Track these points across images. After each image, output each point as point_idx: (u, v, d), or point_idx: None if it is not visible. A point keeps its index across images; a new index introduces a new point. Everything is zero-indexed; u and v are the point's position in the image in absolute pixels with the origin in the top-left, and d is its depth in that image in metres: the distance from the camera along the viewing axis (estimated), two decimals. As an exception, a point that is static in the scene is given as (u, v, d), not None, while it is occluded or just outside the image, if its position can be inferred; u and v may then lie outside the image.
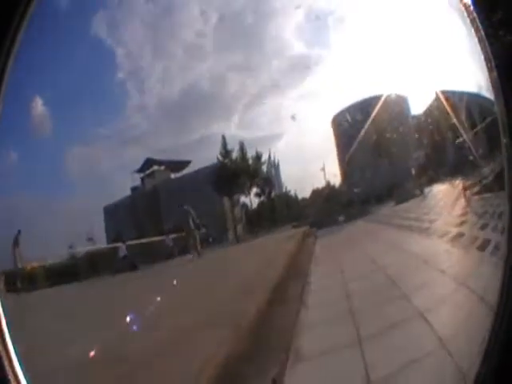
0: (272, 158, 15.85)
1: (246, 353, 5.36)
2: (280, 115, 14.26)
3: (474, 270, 6.04)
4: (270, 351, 5.50)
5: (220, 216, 15.94)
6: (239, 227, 16.30)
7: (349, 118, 13.05)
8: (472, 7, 2.28)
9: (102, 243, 14.60)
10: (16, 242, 12.52)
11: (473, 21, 2.28)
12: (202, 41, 14.39)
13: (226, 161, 15.26)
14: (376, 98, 11.39)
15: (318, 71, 13.67)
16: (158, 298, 8.32)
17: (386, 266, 8.18)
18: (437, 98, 8.90)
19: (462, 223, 8.19)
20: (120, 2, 13.09)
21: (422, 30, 8.59)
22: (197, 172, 15.84)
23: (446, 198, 10.80)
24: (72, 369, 5.76)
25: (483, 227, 6.76)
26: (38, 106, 11.69)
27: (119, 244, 14.27)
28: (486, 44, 2.23)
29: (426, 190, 12.80)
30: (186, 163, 16.27)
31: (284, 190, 16.24)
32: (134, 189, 16.64)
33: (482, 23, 2.25)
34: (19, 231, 12.29)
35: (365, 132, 11.68)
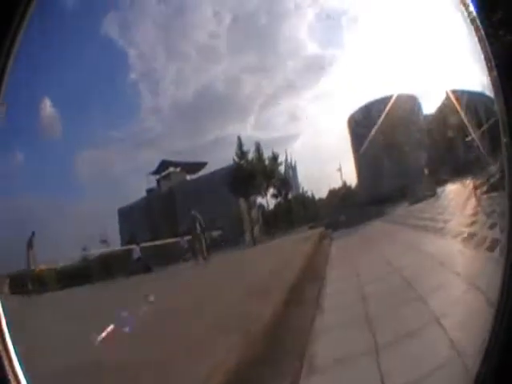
0: (289, 159, 15.77)
1: (259, 359, 5.19)
2: (295, 116, 14.19)
3: (483, 271, 5.83)
4: (284, 358, 5.32)
5: (236, 218, 15.81)
6: (256, 229, 16.13)
7: (363, 117, 12.88)
8: (472, 7, 2.25)
9: (116, 245, 14.53)
10: (30, 244, 12.46)
11: (473, 21, 2.26)
12: (215, 42, 14.33)
13: (242, 162, 15.15)
14: (389, 98, 11.26)
15: (332, 71, 13.65)
16: (169, 301, 8.22)
17: (402, 267, 8.00)
18: (447, 98, 8.81)
19: (473, 223, 8.04)
20: (132, 2, 13.06)
21: (427, 29, 8.57)
22: (213, 173, 15.78)
23: (458, 198, 10.64)
24: (79, 371, 5.59)
25: (492, 227, 6.64)
26: (52, 108, 11.68)
27: (133, 246, 14.16)
28: (486, 43, 2.21)
29: (439, 189, 12.64)
30: (201, 165, 16.21)
31: (301, 190, 16.14)
32: (149, 191, 16.61)
33: (481, 23, 2.23)
34: (33, 233, 12.24)
35: (377, 132, 11.55)
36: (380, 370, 4.48)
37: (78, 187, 12.82)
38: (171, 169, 16.93)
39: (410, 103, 12.67)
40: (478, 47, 2.27)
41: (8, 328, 2.63)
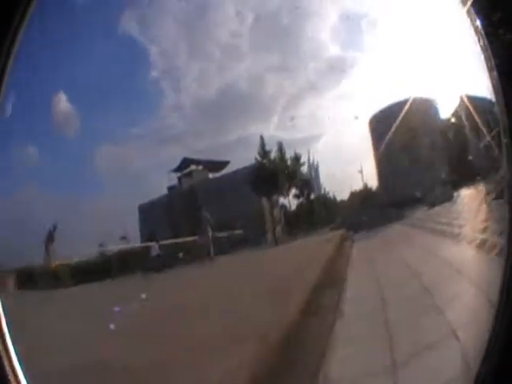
0: (311, 160, 15.64)
1: (272, 371, 4.92)
2: (318, 117, 14.09)
3: (492, 278, 5.59)
4: (297, 372, 5.06)
5: (258, 217, 15.66)
6: (278, 229, 16.00)
7: (383, 119, 12.72)
8: (472, 7, 2.26)
9: (135, 242, 14.49)
10: (50, 238, 12.42)
11: (473, 21, 2.27)
12: (237, 41, 14.24)
13: (265, 161, 15.04)
14: (408, 101, 11.13)
15: (354, 73, 13.55)
16: (183, 301, 8.11)
17: (421, 273, 7.86)
18: (461, 102, 8.67)
19: (485, 229, 7.85)
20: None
21: (429, 30, 8.58)
22: (235, 172, 15.68)
23: (472, 203, 10.46)
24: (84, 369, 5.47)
25: (502, 233, 6.38)
26: (74, 105, 11.69)
27: (152, 243, 14.07)
28: (486, 43, 2.21)
29: (455, 194, 12.49)
30: (224, 163, 16.14)
31: (322, 191, 16.00)
32: (170, 188, 16.55)
33: (482, 23, 2.24)
34: (55, 226, 12.21)
35: (395, 134, 11.42)
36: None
37: (99, 183, 12.81)
38: (193, 167, 16.89)
39: (427, 106, 12.53)
40: (478, 47, 2.28)
41: (8, 328, 2.63)
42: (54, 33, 9.50)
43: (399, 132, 11.44)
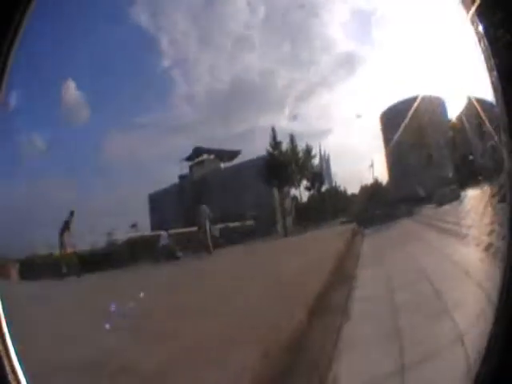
0: (322, 153, 15.58)
1: (274, 377, 4.84)
2: (329, 111, 14.09)
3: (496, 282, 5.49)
4: (304, 375, 4.99)
5: (269, 208, 15.62)
6: (288, 220, 15.96)
7: (393, 116, 12.65)
8: (472, 7, 2.20)
9: (145, 230, 14.51)
10: (67, 226, 12.43)
11: (473, 20, 2.22)
12: (249, 33, 14.18)
13: (276, 152, 14.94)
14: (418, 98, 11.07)
15: (365, 69, 13.50)
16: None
17: (430, 273, 7.72)
18: (469, 101, 8.61)
19: (491, 232, 7.73)
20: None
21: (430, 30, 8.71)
22: (247, 163, 15.60)
23: (478, 204, 10.35)
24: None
25: (504, 238, 6.27)
26: (85, 94, 11.68)
27: (161, 232, 14.05)
28: (486, 43, 2.17)
29: (462, 193, 12.42)
30: (235, 153, 16.11)
31: (334, 185, 15.94)
32: (182, 177, 16.52)
33: (482, 23, 2.19)
34: (72, 213, 12.20)
35: (404, 131, 11.37)
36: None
37: (110, 172, 12.79)
38: (205, 156, 16.85)
39: (435, 105, 12.42)
40: (478, 47, 2.24)
41: (8, 328, 2.59)
42: (64, 21, 9.48)
43: (408, 130, 11.42)
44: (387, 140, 13.56)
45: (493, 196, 8.34)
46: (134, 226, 14.19)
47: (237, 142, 14.92)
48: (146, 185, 13.49)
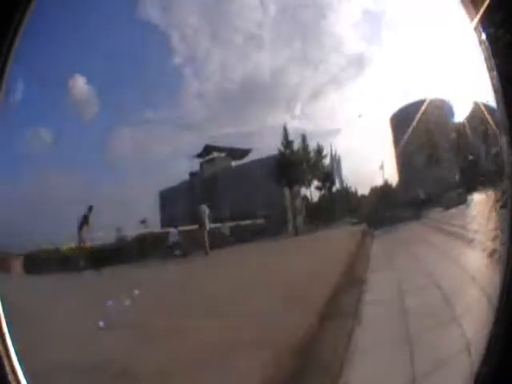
0: (333, 153, 15.52)
1: (285, 381, 4.77)
2: (340, 111, 14.06)
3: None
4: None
5: (280, 207, 15.58)
6: (299, 219, 15.91)
7: (403, 118, 12.61)
8: (473, 8, 2.24)
9: (155, 227, 14.50)
10: (86, 220, 12.48)
11: (473, 20, 2.26)
12: (260, 30, 14.17)
13: (288, 151, 14.89)
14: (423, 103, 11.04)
15: (376, 69, 13.45)
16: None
17: (439, 278, 7.77)
18: (476, 105, 8.57)
19: (494, 238, 7.68)
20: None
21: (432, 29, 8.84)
22: (258, 161, 15.54)
23: (484, 209, 10.31)
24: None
25: (504, 243, 6.22)
26: (96, 90, 11.69)
27: (171, 229, 14.05)
28: (486, 43, 2.22)
29: (469, 197, 12.39)
30: (246, 151, 16.08)
31: (344, 185, 15.89)
32: (192, 174, 16.49)
33: (482, 23, 2.23)
34: (90, 207, 12.26)
35: (412, 135, 11.36)
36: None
37: (120, 169, 12.80)
38: (215, 154, 16.82)
39: (443, 107, 12.36)
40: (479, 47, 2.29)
41: (8, 328, 2.65)
42: (74, 16, 9.48)
43: (415, 133, 11.39)
44: (397, 142, 13.55)
45: (497, 201, 8.28)
46: (143, 222, 14.23)
47: (247, 140, 14.88)
48: (157, 182, 13.48)
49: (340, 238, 13.88)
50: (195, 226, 14.15)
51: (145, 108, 12.32)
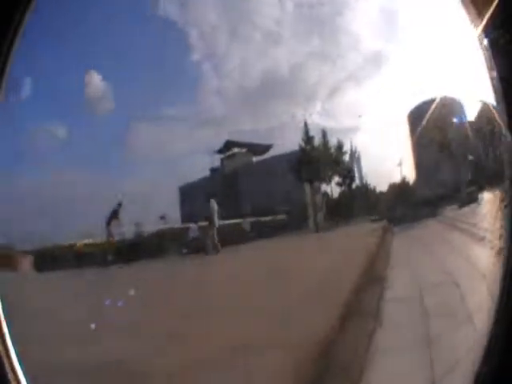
0: (353, 149, 15.47)
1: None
2: (358, 108, 14.01)
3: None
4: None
5: (301, 203, 15.56)
6: (319, 215, 15.87)
7: (419, 115, 12.53)
8: (474, 8, 2.26)
9: (175, 223, 14.58)
10: (115, 215, 12.62)
11: (473, 20, 2.27)
12: (279, 27, 14.16)
13: (308, 147, 14.86)
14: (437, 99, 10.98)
15: (394, 66, 13.37)
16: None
17: (455, 276, 7.75)
18: (484, 105, 8.54)
19: (501, 236, 7.58)
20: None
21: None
22: (278, 157, 15.53)
23: (493, 207, 10.30)
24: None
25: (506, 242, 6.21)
26: (116, 86, 11.77)
27: (191, 224, 14.09)
28: (487, 43, 2.22)
29: (480, 196, 12.34)
30: (267, 147, 16.07)
31: (364, 181, 15.84)
32: (213, 170, 16.53)
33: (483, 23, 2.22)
34: (120, 203, 12.57)
35: (425, 133, 11.33)
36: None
37: (140, 164, 12.90)
38: (236, 149, 16.84)
39: (455, 105, 12.30)
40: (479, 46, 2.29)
41: (8, 328, 2.67)
42: (92, 12, 9.55)
43: (428, 130, 11.36)
44: (414, 139, 13.53)
45: (501, 201, 8.21)
46: (162, 217, 14.26)
47: (268, 136, 14.88)
48: (177, 177, 13.54)
49: (361, 234, 13.81)
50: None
51: (164, 104, 12.38)
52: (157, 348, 6.02)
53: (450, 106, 11.51)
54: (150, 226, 14.27)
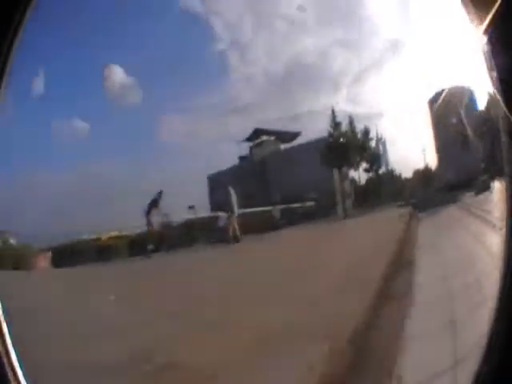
0: (379, 135, 15.45)
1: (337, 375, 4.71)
2: (383, 94, 13.98)
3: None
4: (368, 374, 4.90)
5: (329, 189, 15.59)
6: (348, 202, 15.91)
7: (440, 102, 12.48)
8: (474, 8, 2.16)
9: (204, 212, 14.76)
10: (156, 204, 12.81)
11: (472, 20, 2.16)
12: (303, 14, 14.17)
13: (336, 133, 14.89)
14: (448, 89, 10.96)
15: (414, 54, 13.27)
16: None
17: (475, 262, 7.69)
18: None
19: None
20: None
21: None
22: (306, 144, 15.57)
23: (503, 197, 10.23)
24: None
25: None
26: (147, 76, 11.92)
27: (220, 213, 14.28)
28: (486, 42, 2.12)
29: (492, 184, 12.31)
30: (295, 134, 16.10)
31: (390, 168, 15.80)
32: (241, 158, 16.63)
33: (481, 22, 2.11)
34: (160, 192, 12.83)
35: (442, 119, 11.26)
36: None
37: (169, 153, 13.04)
38: (264, 137, 16.90)
39: (468, 95, 12.25)
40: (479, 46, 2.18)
41: (8, 329, 2.61)
42: (119, 6, 9.68)
43: (444, 117, 11.30)
44: (433, 125, 13.54)
45: (507, 191, 8.19)
46: (191, 207, 14.32)
47: (295, 123, 14.93)
48: (206, 166, 13.65)
49: (389, 220, 13.81)
50: (244, 210, 14.29)
51: (191, 94, 12.49)
52: (194, 337, 6.05)
53: (460, 95, 11.46)
54: (179, 216, 14.41)
